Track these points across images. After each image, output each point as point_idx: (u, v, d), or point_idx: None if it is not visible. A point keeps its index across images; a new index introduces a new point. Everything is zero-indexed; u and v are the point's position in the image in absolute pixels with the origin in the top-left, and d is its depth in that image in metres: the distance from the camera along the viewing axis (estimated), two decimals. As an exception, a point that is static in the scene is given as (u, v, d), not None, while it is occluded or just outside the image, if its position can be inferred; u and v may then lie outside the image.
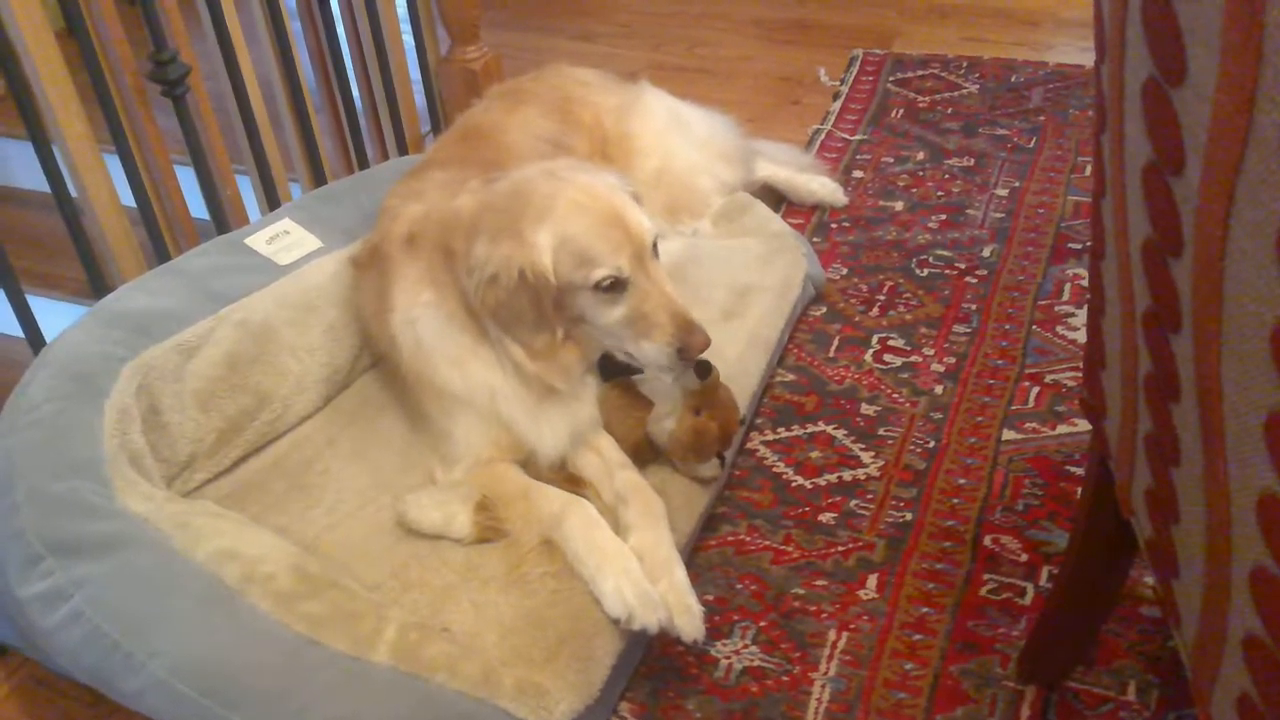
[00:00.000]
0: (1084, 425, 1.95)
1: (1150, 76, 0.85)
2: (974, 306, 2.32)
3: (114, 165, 2.06)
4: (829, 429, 2.06)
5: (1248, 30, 0.67)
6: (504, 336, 1.69)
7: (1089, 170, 2.68)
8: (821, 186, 2.67)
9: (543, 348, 1.68)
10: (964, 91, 3.11)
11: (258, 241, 1.98)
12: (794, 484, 1.95)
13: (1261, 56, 0.66)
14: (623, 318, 1.65)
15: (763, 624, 1.71)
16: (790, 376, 2.19)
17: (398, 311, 1.79)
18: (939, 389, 2.12)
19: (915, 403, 2.10)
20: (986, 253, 2.47)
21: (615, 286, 1.63)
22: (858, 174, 2.80)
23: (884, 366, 2.19)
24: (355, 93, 2.65)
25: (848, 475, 1.96)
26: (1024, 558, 1.77)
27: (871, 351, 2.23)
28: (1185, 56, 0.77)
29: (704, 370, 1.72)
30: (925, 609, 1.71)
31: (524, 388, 1.73)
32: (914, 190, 2.72)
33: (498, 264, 1.62)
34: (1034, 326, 2.24)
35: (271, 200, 2.40)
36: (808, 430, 2.06)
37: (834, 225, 2.62)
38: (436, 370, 1.75)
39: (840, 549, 1.82)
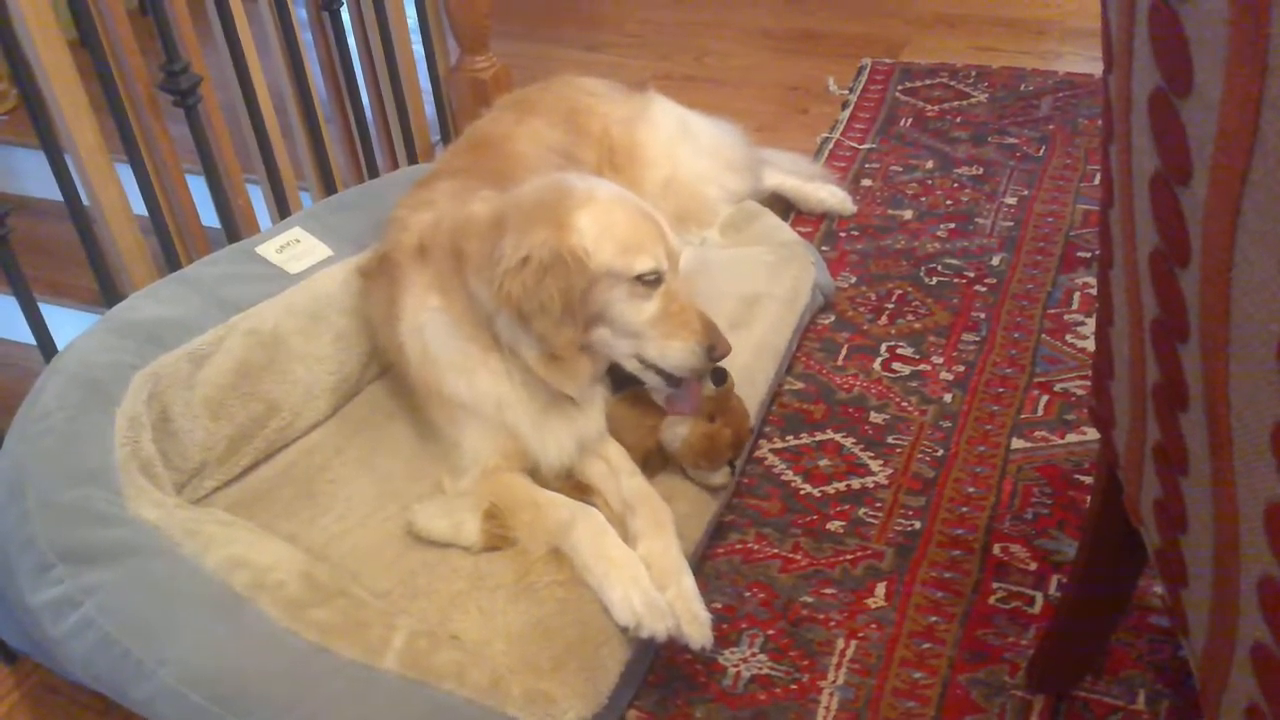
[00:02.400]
0: (1093, 434, 1.95)
1: (1157, 87, 0.85)
2: (983, 315, 2.32)
3: (126, 174, 2.07)
4: (837, 437, 2.06)
5: (1253, 42, 0.67)
6: (518, 339, 1.66)
7: (1098, 179, 2.68)
8: (830, 195, 2.68)
9: (565, 344, 1.63)
10: (972, 100, 3.11)
11: (268, 250, 1.99)
12: (802, 492, 1.95)
13: (1266, 68, 0.67)
14: (652, 316, 1.64)
15: (771, 632, 1.71)
16: (799, 385, 2.19)
17: (405, 319, 1.79)
18: (948, 397, 2.12)
19: (924, 411, 2.10)
20: (995, 261, 2.47)
21: (654, 281, 1.63)
22: (866, 183, 2.80)
23: (892, 375, 2.19)
24: (365, 102, 2.66)
25: (856, 483, 1.96)
26: (1033, 566, 1.77)
27: (880, 360, 2.23)
28: (1191, 67, 0.77)
29: (720, 377, 1.72)
30: (934, 618, 1.71)
31: (531, 398, 1.72)
32: (923, 199, 2.72)
33: (530, 247, 1.58)
34: (1043, 335, 2.24)
35: (282, 209, 2.42)
36: (816, 438, 2.06)
37: (842, 234, 2.62)
38: (443, 379, 1.76)
39: (849, 557, 1.82)
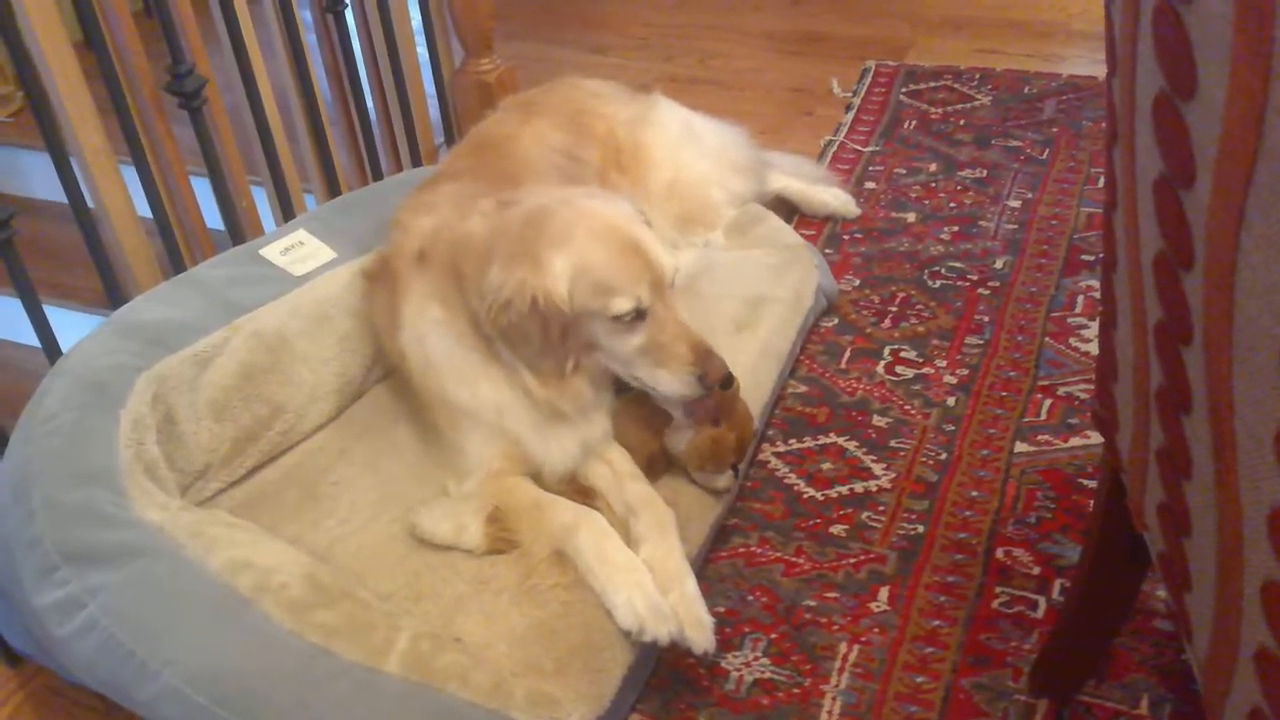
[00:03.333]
0: (1096, 438, 1.95)
1: (1161, 90, 0.85)
2: (986, 318, 2.32)
3: (130, 176, 2.07)
4: (840, 441, 2.06)
5: (1257, 44, 0.67)
6: (516, 359, 1.69)
7: (1102, 181, 2.67)
8: (834, 198, 2.67)
9: (550, 372, 1.68)
10: (976, 103, 3.11)
11: (273, 252, 2.00)
12: (805, 496, 1.95)
13: (1271, 71, 0.66)
14: (639, 347, 1.65)
15: (774, 636, 1.71)
16: (802, 388, 2.19)
17: (406, 328, 1.80)
18: (951, 401, 2.12)
19: (927, 415, 2.09)
20: (999, 264, 2.47)
21: (635, 317, 1.63)
22: (870, 185, 2.80)
23: (896, 378, 2.19)
24: (370, 105, 2.66)
25: (859, 487, 1.96)
26: (1036, 570, 1.77)
27: (883, 363, 2.23)
28: (1195, 71, 0.77)
29: (726, 381, 1.72)
30: (937, 622, 1.71)
31: (534, 405, 1.73)
32: (926, 201, 2.72)
33: (512, 289, 1.61)
34: (1046, 338, 2.24)
35: (286, 211, 2.42)
36: (819, 442, 2.06)
37: (846, 237, 2.62)
38: (445, 386, 1.76)
39: (851, 561, 1.82)
